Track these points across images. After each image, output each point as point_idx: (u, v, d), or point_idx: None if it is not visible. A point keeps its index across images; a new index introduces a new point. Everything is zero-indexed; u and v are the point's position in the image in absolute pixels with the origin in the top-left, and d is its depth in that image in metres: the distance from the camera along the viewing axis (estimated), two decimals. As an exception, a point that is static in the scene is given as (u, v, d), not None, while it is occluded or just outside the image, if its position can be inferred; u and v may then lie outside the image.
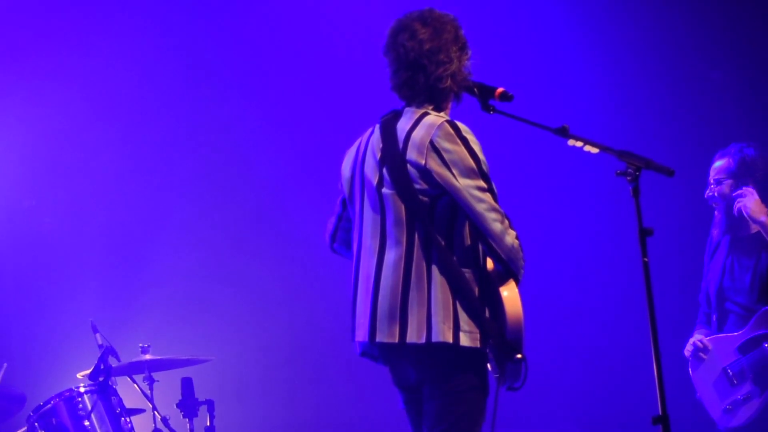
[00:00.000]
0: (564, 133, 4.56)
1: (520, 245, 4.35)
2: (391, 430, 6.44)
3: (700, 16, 8.49)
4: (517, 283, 4.36)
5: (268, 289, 9.19)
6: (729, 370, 6.46)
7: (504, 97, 4.50)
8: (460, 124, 4.36)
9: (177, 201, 9.18)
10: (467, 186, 4.27)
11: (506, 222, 4.31)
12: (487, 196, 4.29)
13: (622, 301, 8.30)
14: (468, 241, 4.37)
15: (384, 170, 4.42)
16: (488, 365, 4.41)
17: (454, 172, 4.26)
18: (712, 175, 6.62)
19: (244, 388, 8.93)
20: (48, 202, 9.02)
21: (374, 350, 4.47)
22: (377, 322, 4.38)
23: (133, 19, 9.00)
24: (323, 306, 8.68)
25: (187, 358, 7.51)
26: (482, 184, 4.28)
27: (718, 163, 6.63)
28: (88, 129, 8.93)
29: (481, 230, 4.28)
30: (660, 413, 4.18)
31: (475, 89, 4.56)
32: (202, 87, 9.15)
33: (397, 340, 4.33)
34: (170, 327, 8.72)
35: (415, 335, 4.29)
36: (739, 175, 6.56)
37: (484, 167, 4.32)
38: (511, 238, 4.29)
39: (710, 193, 6.62)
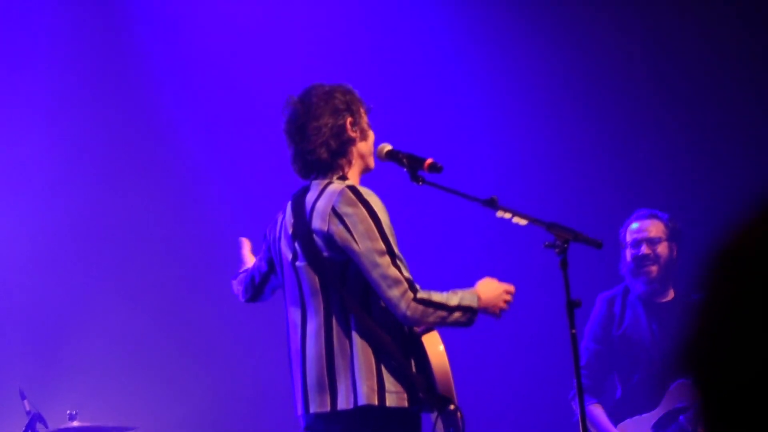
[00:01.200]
0: (493, 204, 4.65)
1: (429, 299, 4.29)
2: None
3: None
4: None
5: (197, 356, 9.02)
6: None
7: (433, 168, 4.60)
8: (362, 188, 4.41)
9: (106, 263, 8.98)
10: (366, 249, 4.28)
11: (403, 286, 4.27)
12: (384, 260, 4.28)
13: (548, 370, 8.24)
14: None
15: (296, 244, 4.46)
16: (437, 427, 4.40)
17: (355, 235, 4.29)
18: (642, 236, 6.46)
19: None
20: None
21: (317, 423, 4.46)
22: (308, 394, 4.42)
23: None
24: (256, 374, 8.55)
25: (114, 425, 7.42)
26: (381, 246, 4.28)
27: (649, 224, 6.49)
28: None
29: (379, 295, 4.30)
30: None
31: (405, 160, 4.65)
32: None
33: (329, 409, 4.37)
34: (99, 394, 8.52)
35: (344, 401, 4.31)
36: (672, 239, 6.51)
37: (386, 228, 4.32)
38: (406, 302, 4.25)
39: (643, 252, 6.43)
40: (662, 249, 6.45)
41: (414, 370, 4.35)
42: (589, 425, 5.23)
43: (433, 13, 8.95)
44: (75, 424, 7.07)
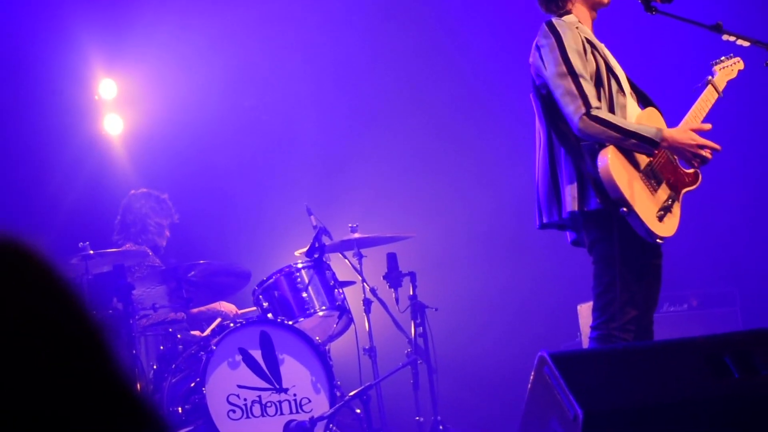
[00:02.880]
0: (718, 29, 4.90)
1: (602, 117, 4.61)
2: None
3: None
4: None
5: (465, 174, 9.52)
6: None
7: None
8: (557, 22, 4.79)
9: (381, 94, 9.52)
10: (551, 74, 4.71)
11: (578, 101, 4.61)
12: (566, 81, 4.66)
13: None
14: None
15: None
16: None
17: (545, 62, 4.73)
18: None
19: (443, 261, 9.21)
20: (264, 101, 9.48)
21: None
22: (541, 208, 4.92)
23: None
24: (520, 187, 8.51)
25: (391, 235, 7.77)
26: (563, 69, 4.67)
27: None
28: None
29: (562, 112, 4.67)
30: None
31: None
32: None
33: (557, 218, 4.85)
34: (376, 208, 9.08)
35: (566, 208, 4.79)
36: None
37: (570, 54, 4.68)
38: (578, 116, 4.60)
39: None
40: None
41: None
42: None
43: None
44: (356, 235, 7.59)
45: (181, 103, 9.16)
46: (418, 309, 7.44)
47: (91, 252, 6.97)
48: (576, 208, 4.68)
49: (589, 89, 4.68)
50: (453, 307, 8.65)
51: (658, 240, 4.73)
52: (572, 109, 4.63)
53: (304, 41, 9.48)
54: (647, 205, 4.73)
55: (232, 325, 6.93)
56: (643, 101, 5.00)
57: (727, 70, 5.26)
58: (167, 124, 9.15)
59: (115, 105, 9.20)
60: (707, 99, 5.12)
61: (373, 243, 7.78)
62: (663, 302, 7.84)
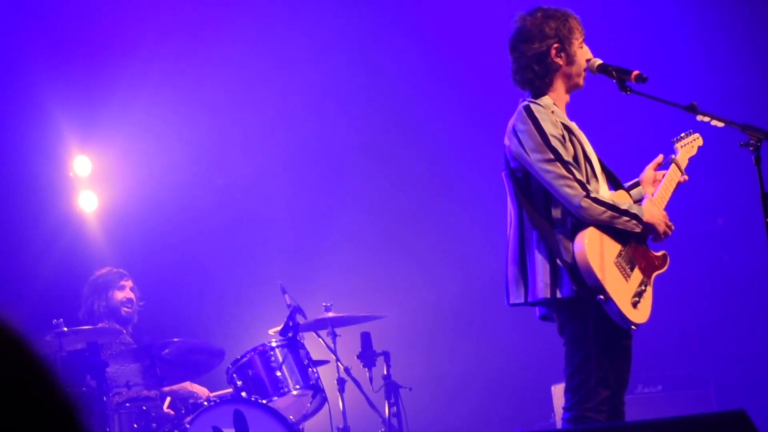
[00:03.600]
0: (693, 110, 4.88)
1: (600, 198, 4.67)
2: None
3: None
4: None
5: (437, 253, 9.55)
6: None
7: (639, 79, 4.87)
8: (536, 107, 4.80)
9: (355, 176, 9.62)
10: (536, 160, 4.71)
11: (575, 184, 4.65)
12: (555, 166, 4.68)
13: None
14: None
15: (503, 156, 4.95)
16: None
17: (526, 148, 4.73)
18: None
19: (417, 341, 9.22)
20: (238, 180, 9.51)
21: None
22: (509, 288, 4.89)
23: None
24: (491, 267, 8.49)
25: (365, 314, 7.79)
26: (549, 156, 4.68)
27: None
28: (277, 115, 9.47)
29: (555, 196, 4.71)
30: None
31: (614, 72, 4.92)
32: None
33: (522, 301, 4.84)
34: (350, 288, 9.08)
35: (530, 295, 4.81)
36: None
37: (552, 140, 4.70)
38: (579, 197, 4.64)
39: None
40: None
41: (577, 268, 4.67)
42: None
43: None
44: (330, 314, 7.58)
45: (156, 180, 9.18)
46: (392, 388, 7.43)
47: (65, 329, 6.94)
48: (548, 295, 4.71)
49: (579, 174, 4.73)
50: (427, 387, 8.66)
51: (632, 327, 4.76)
52: (572, 192, 4.67)
53: (276, 120, 9.54)
54: (622, 291, 4.75)
55: (206, 403, 6.89)
56: (612, 182, 5.02)
57: (687, 148, 5.34)
58: (141, 201, 9.16)
59: (90, 182, 9.20)
60: (672, 179, 5.19)
61: (347, 322, 7.78)
62: (636, 383, 7.85)
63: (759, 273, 8.49)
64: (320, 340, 7.70)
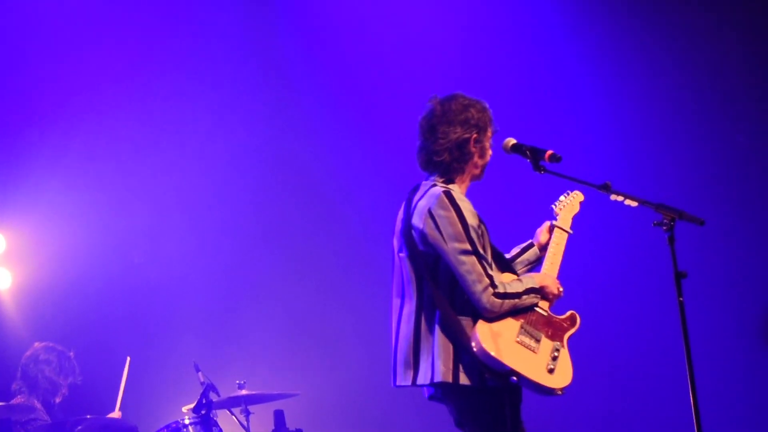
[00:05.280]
0: (607, 189, 4.91)
1: (505, 292, 4.66)
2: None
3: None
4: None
5: (349, 331, 9.58)
6: None
7: (553, 158, 4.93)
8: (456, 194, 4.78)
9: (265, 257, 9.66)
10: (453, 249, 4.65)
11: (485, 282, 4.63)
12: (470, 259, 4.64)
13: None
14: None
15: (402, 238, 4.87)
16: None
17: (444, 235, 4.67)
18: None
19: (328, 419, 9.17)
20: (153, 259, 9.50)
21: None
22: (397, 369, 4.82)
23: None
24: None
25: (278, 392, 7.82)
26: (467, 247, 4.64)
27: None
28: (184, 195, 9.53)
29: (463, 289, 4.68)
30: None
31: (528, 152, 4.97)
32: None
33: (410, 383, 4.78)
34: (263, 366, 9.07)
35: (423, 378, 4.75)
36: None
37: (472, 232, 4.67)
38: (487, 296, 4.62)
39: None
40: None
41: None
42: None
43: (545, 7, 9.43)
44: (243, 392, 7.61)
45: (71, 257, 9.17)
46: (306, 466, 7.38)
47: (-26, 406, 6.91)
48: (450, 380, 4.67)
49: (490, 269, 4.73)
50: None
51: (558, 392, 4.73)
52: (480, 288, 4.65)
53: (187, 201, 9.58)
54: (534, 365, 4.73)
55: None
56: (499, 262, 4.99)
57: (568, 208, 5.33)
58: (56, 278, 9.14)
59: (4, 259, 9.19)
60: (558, 243, 5.18)
61: (261, 400, 7.79)
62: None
63: (669, 351, 8.64)
64: (233, 417, 7.68)
